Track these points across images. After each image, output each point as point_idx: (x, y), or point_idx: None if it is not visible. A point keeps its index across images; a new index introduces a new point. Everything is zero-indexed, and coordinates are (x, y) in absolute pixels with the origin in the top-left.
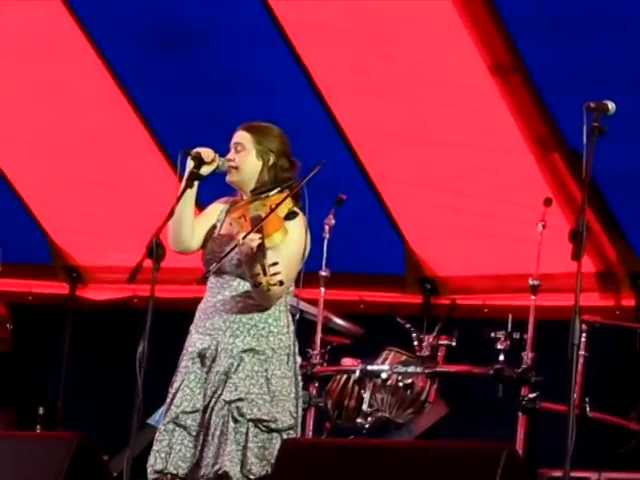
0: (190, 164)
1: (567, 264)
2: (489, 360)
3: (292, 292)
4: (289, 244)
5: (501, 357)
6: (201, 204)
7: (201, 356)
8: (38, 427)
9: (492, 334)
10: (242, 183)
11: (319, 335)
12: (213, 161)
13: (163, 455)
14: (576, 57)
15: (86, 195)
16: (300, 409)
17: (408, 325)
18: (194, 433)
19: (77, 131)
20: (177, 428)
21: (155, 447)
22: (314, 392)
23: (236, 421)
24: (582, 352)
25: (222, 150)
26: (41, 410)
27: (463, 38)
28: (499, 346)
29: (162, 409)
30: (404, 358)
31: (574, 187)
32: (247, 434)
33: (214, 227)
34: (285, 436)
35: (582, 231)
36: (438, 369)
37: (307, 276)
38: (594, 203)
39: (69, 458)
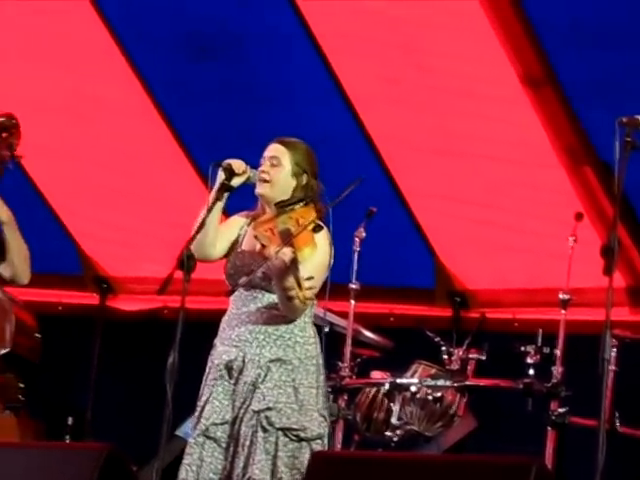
0: (221, 175)
1: (598, 278)
2: (519, 374)
3: (316, 304)
4: (316, 257)
5: (531, 371)
6: (229, 212)
7: (228, 368)
8: (67, 437)
9: (522, 348)
10: (271, 197)
11: (349, 348)
12: (244, 172)
13: (194, 468)
14: (608, 69)
15: (116, 205)
16: (327, 419)
17: (438, 338)
18: (224, 445)
19: (108, 141)
20: (207, 440)
21: (186, 460)
22: (343, 404)
23: (265, 430)
24: (612, 367)
25: (253, 161)
26: (70, 420)
27: (495, 49)
28: (529, 360)
29: (190, 420)
30: (433, 371)
31: (605, 201)
32: (277, 443)
33: (236, 241)
34: (314, 445)
35: (614, 247)
36: (467, 383)
37: (337, 288)
38: (625, 218)
39: (99, 469)
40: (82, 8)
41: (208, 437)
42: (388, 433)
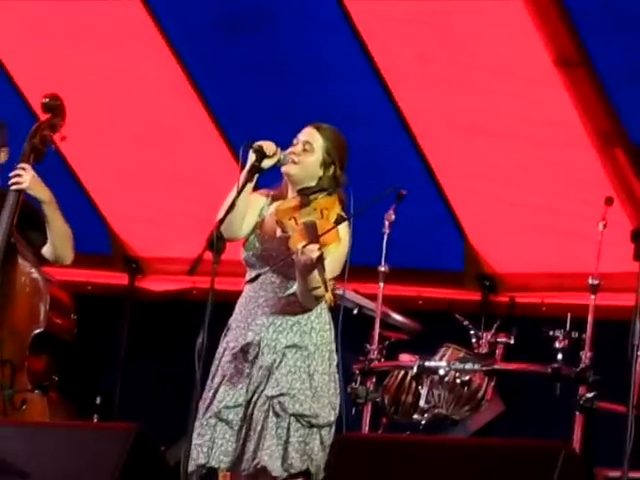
0: (252, 157)
1: (627, 264)
2: (547, 359)
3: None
4: (338, 251)
5: (559, 356)
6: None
7: (243, 351)
8: (95, 417)
9: (550, 333)
10: (297, 179)
11: (377, 330)
12: (275, 154)
13: (205, 449)
14: None
15: (147, 184)
16: (338, 407)
17: (466, 322)
18: (236, 427)
19: (140, 119)
20: (219, 422)
21: (197, 441)
22: (371, 387)
23: (278, 416)
24: None
25: (285, 139)
26: (98, 400)
27: (528, 29)
28: (557, 345)
29: None
30: (462, 355)
31: (636, 185)
32: (288, 429)
33: (256, 221)
34: (324, 432)
35: None
36: (496, 367)
37: (366, 271)
38: None
39: (127, 449)
40: None
41: (220, 419)
42: (416, 416)
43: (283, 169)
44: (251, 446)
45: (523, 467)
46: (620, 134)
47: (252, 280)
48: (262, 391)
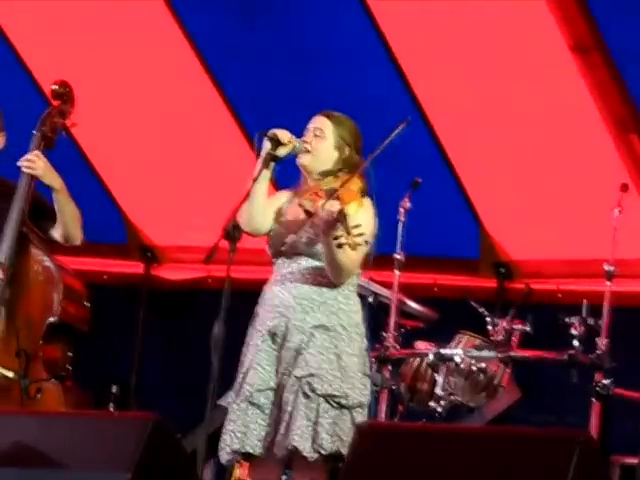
0: (267, 145)
1: None
2: (563, 345)
3: (360, 274)
4: (362, 212)
5: (575, 343)
6: (280, 185)
7: (272, 334)
8: (111, 406)
9: (566, 319)
10: (312, 168)
11: (393, 318)
12: (289, 142)
13: (239, 435)
14: None
15: (163, 173)
16: (368, 387)
17: (482, 309)
18: (267, 411)
19: (156, 107)
20: (250, 407)
21: (229, 427)
22: (387, 375)
23: (307, 397)
24: None
25: (301, 126)
26: (114, 389)
27: (544, 14)
28: (573, 332)
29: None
30: (478, 342)
31: None
32: (318, 410)
33: (280, 213)
34: (354, 413)
35: None
36: (512, 354)
37: (382, 259)
38: None
39: (144, 439)
40: None
41: (252, 403)
42: (432, 404)
43: (298, 161)
44: (282, 428)
45: (541, 455)
46: (636, 120)
47: (278, 262)
48: (291, 372)
